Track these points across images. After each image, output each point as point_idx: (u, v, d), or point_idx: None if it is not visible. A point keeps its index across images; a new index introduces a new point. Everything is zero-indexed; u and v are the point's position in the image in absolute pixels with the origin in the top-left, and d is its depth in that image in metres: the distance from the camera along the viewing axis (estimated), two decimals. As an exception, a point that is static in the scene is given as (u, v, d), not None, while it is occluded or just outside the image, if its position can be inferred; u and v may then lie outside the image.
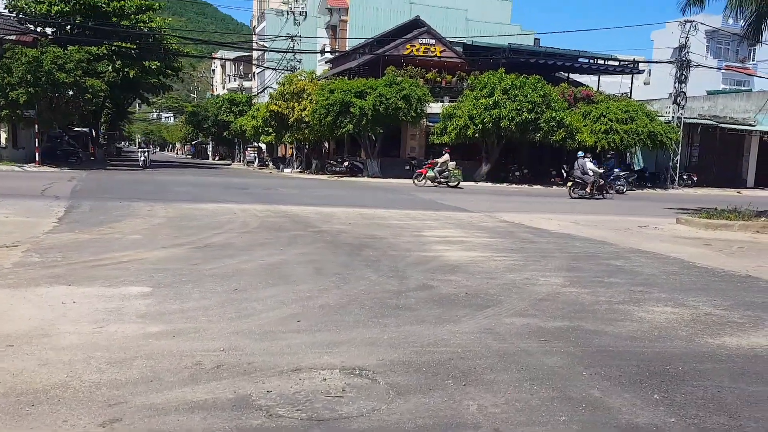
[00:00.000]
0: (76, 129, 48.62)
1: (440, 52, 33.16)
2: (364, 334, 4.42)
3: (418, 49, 32.69)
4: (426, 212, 14.28)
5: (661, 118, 31.61)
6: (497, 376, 3.69)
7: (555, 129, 27.29)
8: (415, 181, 25.87)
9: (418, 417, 3.09)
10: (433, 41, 33.11)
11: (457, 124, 27.03)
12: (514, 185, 28.48)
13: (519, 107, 26.47)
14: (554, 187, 29.26)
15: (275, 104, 34.57)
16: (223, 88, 79.98)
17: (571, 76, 39.06)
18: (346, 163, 31.65)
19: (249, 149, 54.66)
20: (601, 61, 35.07)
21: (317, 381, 3.50)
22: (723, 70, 51.79)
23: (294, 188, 21.61)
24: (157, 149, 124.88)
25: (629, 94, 35.07)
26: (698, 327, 5.04)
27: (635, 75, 35.65)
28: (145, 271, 6.28)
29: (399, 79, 28.60)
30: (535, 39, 58.96)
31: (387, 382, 3.53)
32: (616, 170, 26.58)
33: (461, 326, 4.74)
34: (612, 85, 42.28)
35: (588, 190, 21.78)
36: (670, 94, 32.92)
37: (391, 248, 8.52)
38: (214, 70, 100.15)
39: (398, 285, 6.13)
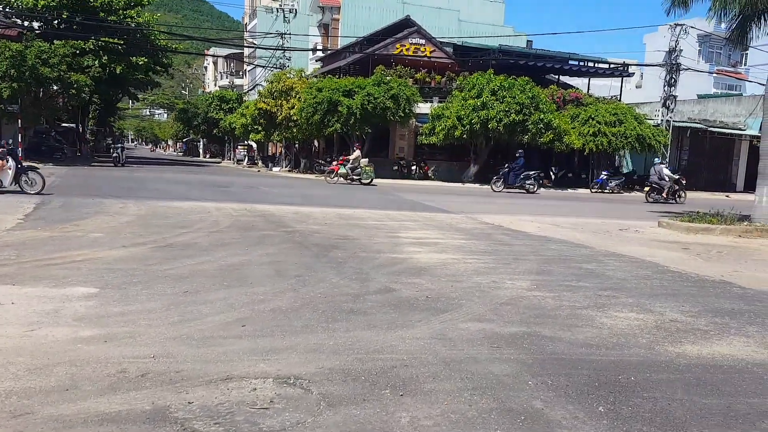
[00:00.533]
0: (64, 125, 48.23)
1: (430, 52, 33.00)
2: (309, 340, 4.23)
3: (408, 49, 32.51)
4: (407, 213, 14.10)
5: (650, 121, 31.56)
6: (438, 386, 3.51)
7: (543, 131, 27.16)
8: (327, 178, 25.62)
9: (344, 431, 2.91)
10: (423, 41, 32.95)
11: (445, 125, 26.86)
12: (501, 187, 28.29)
13: (507, 108, 26.33)
14: (542, 189, 29.19)
15: (264, 102, 34.35)
16: (215, 85, 79.52)
17: (562, 78, 39.02)
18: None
19: (239, 147, 54.40)
20: (591, 64, 34.95)
21: (246, 391, 3.31)
22: (714, 74, 51.82)
23: (277, 187, 21.39)
24: (152, 146, 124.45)
25: (619, 96, 35.01)
26: (660, 334, 4.87)
27: (625, 78, 35.56)
28: (96, 271, 6.07)
29: (387, 78, 28.41)
30: (528, 41, 59.01)
31: (321, 392, 3.35)
32: (531, 172, 26.26)
33: (414, 332, 4.56)
34: (603, 87, 42.22)
35: (664, 195, 22.90)
36: (661, 97, 32.89)
37: (362, 249, 8.34)
38: (206, 68, 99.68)
39: (359, 288, 5.94)
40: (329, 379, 3.52)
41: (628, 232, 12.45)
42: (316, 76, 36.14)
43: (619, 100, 34.05)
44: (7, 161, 13.37)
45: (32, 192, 13.34)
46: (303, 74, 33.93)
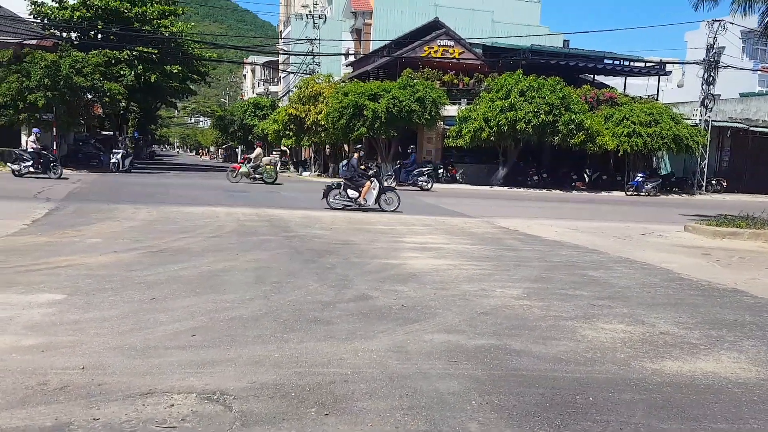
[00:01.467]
0: (104, 133, 49.48)
1: (459, 53, 32.56)
2: (255, 352, 4.03)
3: (436, 51, 32.14)
4: (420, 217, 13.82)
5: (688, 121, 30.51)
6: (371, 404, 3.26)
7: (574, 132, 26.48)
8: (230, 177, 24.44)
9: (247, 454, 2.69)
10: (451, 43, 32.54)
11: (471, 127, 26.44)
12: (531, 190, 27.71)
13: (536, 109, 25.76)
14: (574, 192, 28.49)
15: (293, 107, 34.49)
16: (253, 92, 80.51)
17: (598, 78, 38.11)
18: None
19: (274, 152, 54.82)
20: (626, 63, 33.97)
21: (162, 407, 3.13)
22: (759, 72, 49.88)
23: (295, 191, 21.34)
24: (193, 152, 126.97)
25: (656, 96, 33.96)
26: (643, 348, 4.52)
27: (662, 77, 34.47)
28: (73, 278, 5.99)
29: (413, 81, 28.13)
30: (565, 41, 57.94)
31: (241, 410, 3.14)
32: (424, 168, 25.88)
33: (371, 343, 4.31)
34: (642, 87, 40.96)
35: None
36: (700, 96, 31.73)
37: (357, 255, 8.12)
38: (245, 76, 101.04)
39: (334, 295, 5.72)
40: (256, 396, 3.31)
41: (650, 237, 11.93)
42: (343, 81, 36.10)
43: (656, 100, 33.00)
44: (372, 182, 14.71)
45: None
46: (331, 79, 33.90)
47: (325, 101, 31.16)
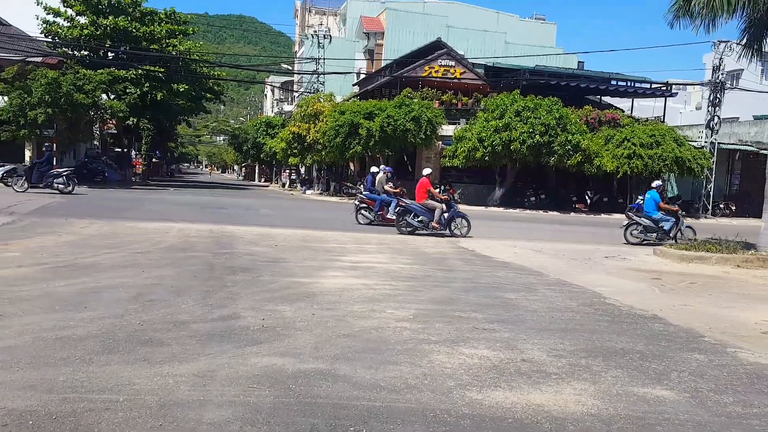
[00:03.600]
0: (117, 150, 50.24)
1: (460, 73, 32.41)
2: (42, 375, 3.75)
3: (437, 71, 32.05)
4: (384, 236, 13.50)
5: (693, 143, 29.83)
6: (107, 434, 2.98)
7: (571, 153, 26.03)
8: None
9: None
10: (453, 63, 32.42)
11: (466, 147, 26.15)
12: (528, 211, 27.23)
13: (531, 130, 25.40)
14: (572, 214, 27.92)
15: (296, 126, 34.59)
16: (272, 112, 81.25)
17: (607, 99, 37.63)
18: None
19: (287, 171, 55.02)
20: (634, 84, 33.45)
21: None
22: (777, 94, 48.71)
23: (278, 209, 21.19)
24: (210, 169, 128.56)
25: (662, 117, 33.33)
26: (485, 376, 4.17)
27: (676, 98, 33.82)
28: (-58, 291, 5.83)
29: (409, 100, 27.99)
30: (579, 62, 57.56)
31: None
32: (63, 170, 22.71)
33: (182, 367, 4.03)
34: (656, 109, 40.30)
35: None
36: (712, 117, 30.90)
37: (274, 273, 7.85)
38: (266, 95, 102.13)
39: (199, 315, 5.45)
40: (-10, 421, 3.06)
41: (612, 260, 11.48)
42: (348, 100, 36.16)
43: (663, 121, 32.36)
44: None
45: None
46: (333, 98, 33.95)
47: (324, 120, 31.18)
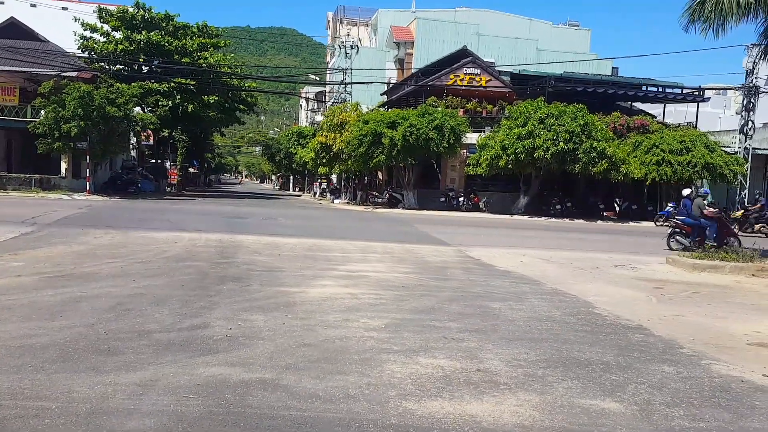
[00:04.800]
0: (152, 161, 51.42)
1: (486, 81, 32.26)
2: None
3: (462, 79, 31.96)
4: (391, 245, 13.49)
5: (726, 149, 29.04)
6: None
7: (596, 160, 25.60)
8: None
9: None
10: (478, 71, 32.28)
11: (488, 155, 25.97)
12: (553, 219, 26.86)
13: (555, 137, 25.09)
14: (599, 222, 27.42)
15: (323, 135, 34.87)
16: (305, 122, 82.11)
17: (638, 105, 36.92)
18: (386, 195, 31.24)
19: (319, 180, 55.44)
20: (665, 89, 32.76)
21: None
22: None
23: (297, 218, 21.33)
24: (258, 181, 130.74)
25: (695, 122, 32.52)
26: (430, 387, 4.14)
27: (701, 102, 32.98)
28: (-69, 299, 6.06)
29: (432, 109, 27.96)
30: (613, 68, 56.68)
31: None
32: None
33: (128, 376, 4.10)
34: (690, 114, 39.36)
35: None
36: (746, 122, 30.02)
37: (263, 283, 7.92)
38: (301, 106, 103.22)
39: (169, 324, 5.54)
40: None
41: (619, 269, 11.24)
42: (372, 109, 36.32)
43: (695, 127, 31.58)
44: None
45: None
46: (358, 108, 34.15)
47: (349, 129, 31.36)
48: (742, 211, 25.51)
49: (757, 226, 23.84)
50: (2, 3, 55.22)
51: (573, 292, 8.39)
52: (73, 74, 31.03)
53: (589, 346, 5.48)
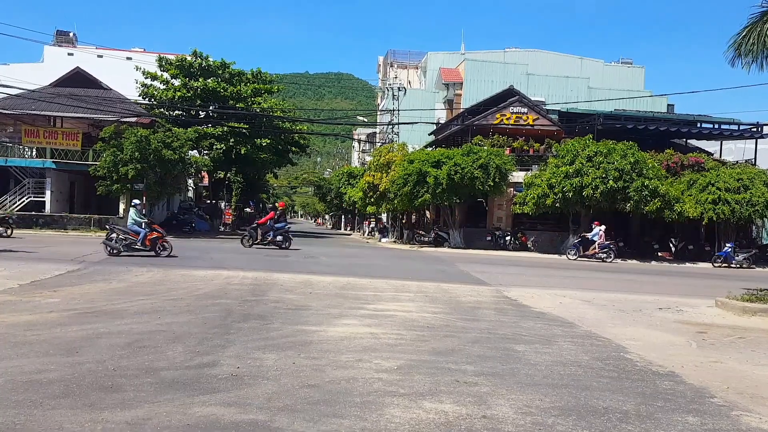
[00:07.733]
0: (208, 201, 52.85)
1: (533, 120, 32.02)
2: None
3: (508, 118, 31.82)
4: (427, 284, 13.30)
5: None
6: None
7: (648, 198, 24.84)
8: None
9: None
10: (525, 109, 32.11)
11: (535, 193, 25.57)
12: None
13: (604, 175, 24.54)
14: (653, 262, 26.44)
15: (371, 175, 35.17)
16: (357, 162, 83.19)
17: (692, 142, 35.89)
18: (433, 234, 31.07)
19: (369, 219, 55.71)
20: (717, 126, 31.76)
21: None
22: None
23: (338, 257, 21.33)
24: (312, 221, 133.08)
25: (753, 159, 31.29)
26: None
27: (759, 139, 31.75)
28: (-40, 334, 6.25)
29: (477, 148, 27.85)
30: (669, 105, 55.47)
31: None
32: None
33: (122, 414, 4.08)
34: (748, 151, 37.95)
35: None
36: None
37: (286, 322, 7.87)
38: (353, 147, 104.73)
39: (180, 362, 5.53)
40: None
41: (664, 312, 10.73)
42: (415, 149, 36.50)
43: (754, 164, 30.38)
44: None
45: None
46: (404, 148, 34.37)
47: (395, 168, 31.54)
48: None
49: None
50: (71, 54, 58.73)
51: (607, 335, 8.01)
52: (133, 120, 32.47)
53: (611, 393, 5.17)
